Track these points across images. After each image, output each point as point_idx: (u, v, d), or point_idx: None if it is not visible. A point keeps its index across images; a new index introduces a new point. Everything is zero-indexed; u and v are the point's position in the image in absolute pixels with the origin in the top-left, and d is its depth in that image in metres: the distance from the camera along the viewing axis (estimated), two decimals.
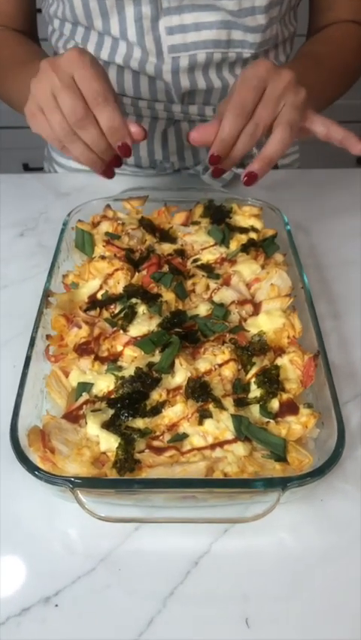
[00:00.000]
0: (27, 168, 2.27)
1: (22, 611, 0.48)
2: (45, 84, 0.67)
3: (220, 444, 0.55)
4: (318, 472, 0.50)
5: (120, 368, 0.62)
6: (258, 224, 0.81)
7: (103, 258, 0.74)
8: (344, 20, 0.96)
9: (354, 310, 0.77)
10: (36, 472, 0.51)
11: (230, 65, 0.92)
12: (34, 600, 0.49)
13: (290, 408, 0.57)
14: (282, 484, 0.49)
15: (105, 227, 0.80)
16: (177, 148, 1.00)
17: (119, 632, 0.47)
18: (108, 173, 0.74)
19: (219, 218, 0.81)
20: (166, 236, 0.81)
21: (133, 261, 0.75)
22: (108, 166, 0.73)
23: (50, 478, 0.50)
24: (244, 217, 0.82)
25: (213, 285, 0.72)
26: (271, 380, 0.59)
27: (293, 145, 1.06)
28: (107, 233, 0.78)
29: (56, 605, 0.49)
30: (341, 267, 0.84)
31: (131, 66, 0.90)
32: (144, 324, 0.66)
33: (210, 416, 0.57)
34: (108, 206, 0.84)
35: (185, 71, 0.89)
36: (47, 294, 0.69)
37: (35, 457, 0.53)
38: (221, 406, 0.57)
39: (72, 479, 0.50)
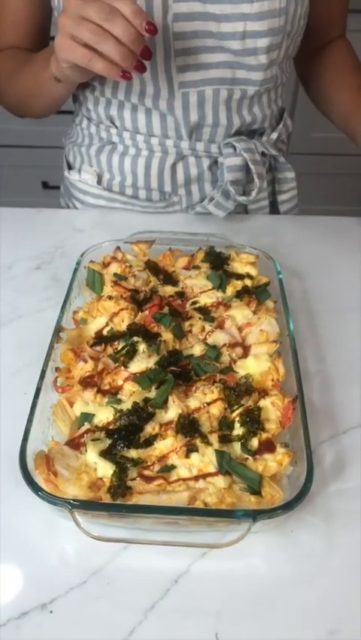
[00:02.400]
0: (46, 186, 2.36)
1: (21, 615, 0.55)
2: (69, 14, 0.76)
3: (203, 476, 0.62)
4: (286, 507, 0.57)
5: (119, 401, 0.69)
6: (253, 272, 0.88)
7: (110, 297, 0.82)
8: (337, 37, 1.11)
9: (339, 355, 0.84)
10: (40, 493, 0.58)
11: (237, 102, 1.01)
12: (32, 606, 0.56)
13: (268, 446, 0.64)
14: (253, 515, 0.56)
15: (114, 268, 0.87)
16: (185, 181, 1.08)
17: (104, 638, 0.54)
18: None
19: (218, 264, 0.89)
20: (169, 278, 0.88)
21: (137, 301, 0.83)
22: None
23: (52, 499, 0.57)
24: (241, 264, 0.89)
25: (208, 327, 0.79)
26: (253, 420, 0.66)
27: (290, 181, 1.14)
28: (115, 275, 0.86)
29: (51, 612, 0.56)
30: (332, 314, 0.90)
31: (145, 103, 0.99)
32: (143, 362, 0.73)
33: (197, 450, 0.63)
34: (118, 248, 0.92)
35: (194, 106, 0.99)
36: (58, 329, 0.77)
37: (40, 479, 0.60)
38: (207, 442, 0.64)
39: (71, 501, 0.57)
